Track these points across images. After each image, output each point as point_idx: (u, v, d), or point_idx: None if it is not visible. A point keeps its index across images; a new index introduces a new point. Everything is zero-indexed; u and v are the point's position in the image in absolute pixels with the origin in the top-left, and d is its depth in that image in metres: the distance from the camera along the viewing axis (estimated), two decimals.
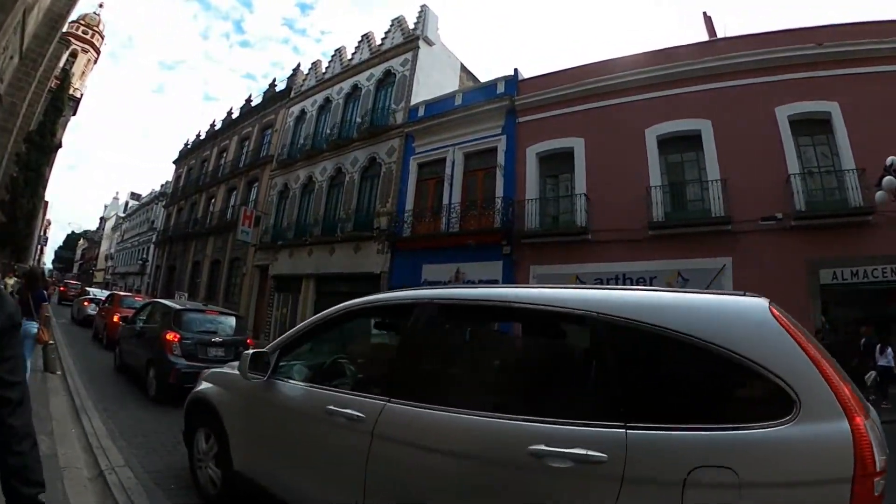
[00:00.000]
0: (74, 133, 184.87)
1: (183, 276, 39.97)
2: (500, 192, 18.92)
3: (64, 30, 38.49)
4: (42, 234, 60.21)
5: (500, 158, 19.27)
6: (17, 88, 26.89)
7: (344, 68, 28.15)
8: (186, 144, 49.98)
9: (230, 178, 36.66)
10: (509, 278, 17.80)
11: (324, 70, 30.21)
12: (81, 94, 51.87)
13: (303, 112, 30.21)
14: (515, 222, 17.93)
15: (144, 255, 52.70)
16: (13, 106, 27.04)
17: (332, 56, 29.80)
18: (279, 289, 27.55)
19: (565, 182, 18.19)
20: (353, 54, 28.18)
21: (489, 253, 18.33)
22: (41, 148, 33.64)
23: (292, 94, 31.99)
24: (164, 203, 52.01)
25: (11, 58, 23.36)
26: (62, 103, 37.22)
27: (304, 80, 31.89)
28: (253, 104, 37.68)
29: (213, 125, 44.39)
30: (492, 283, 17.73)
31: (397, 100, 23.91)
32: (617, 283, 15.15)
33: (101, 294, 26.79)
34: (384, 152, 23.28)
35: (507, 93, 19.82)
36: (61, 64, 37.94)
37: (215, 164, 40.69)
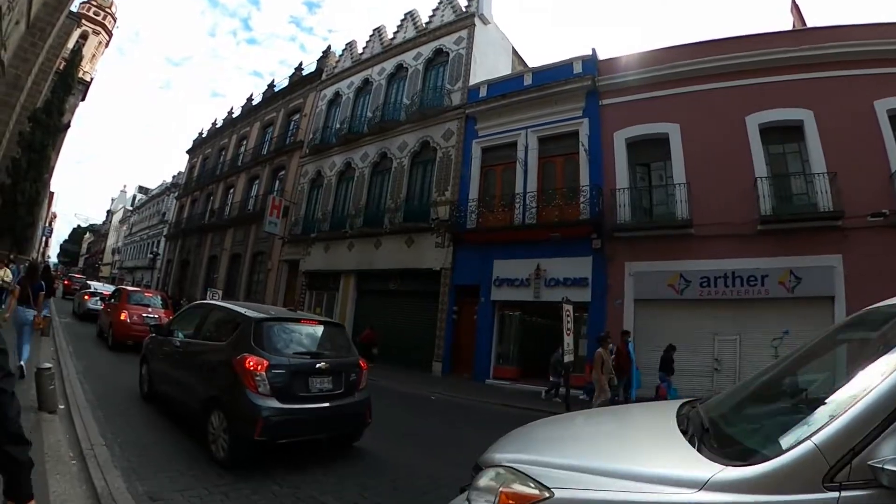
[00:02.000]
0: (82, 125, 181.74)
1: (198, 270, 37.56)
2: (584, 179, 16.69)
3: (75, 7, 36.36)
4: (47, 225, 58.07)
5: (584, 141, 17.00)
6: (22, 60, 24.52)
7: (385, 48, 25.76)
8: (201, 133, 47.62)
9: (252, 166, 34.21)
10: (601, 276, 15.88)
11: (360, 50, 27.78)
12: (91, 79, 49.65)
13: (337, 94, 27.77)
14: (605, 214, 15.85)
15: (155, 249, 50.15)
16: (17, 79, 24.64)
17: (371, 35, 27.37)
18: (312, 286, 25.08)
19: (658, 171, 16.50)
20: (394, 33, 25.81)
21: (576, 248, 16.26)
22: (47, 128, 31.04)
23: (324, 77, 29.55)
24: (176, 194, 49.62)
25: (17, 23, 20.97)
26: (72, 80, 34.77)
27: (337, 62, 29.50)
28: (276, 88, 35.24)
29: (230, 112, 42.03)
30: (580, 281, 16.05)
31: (452, 80, 21.48)
32: (725, 282, 14.20)
33: (103, 288, 25.03)
34: (440, 136, 20.82)
35: (585, 73, 17.62)
36: (71, 44, 35.65)
37: (234, 153, 38.24)
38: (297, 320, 7.15)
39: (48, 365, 6.83)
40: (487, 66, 21.70)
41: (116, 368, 11.56)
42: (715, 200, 14.48)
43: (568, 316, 12.09)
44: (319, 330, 7.16)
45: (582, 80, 17.47)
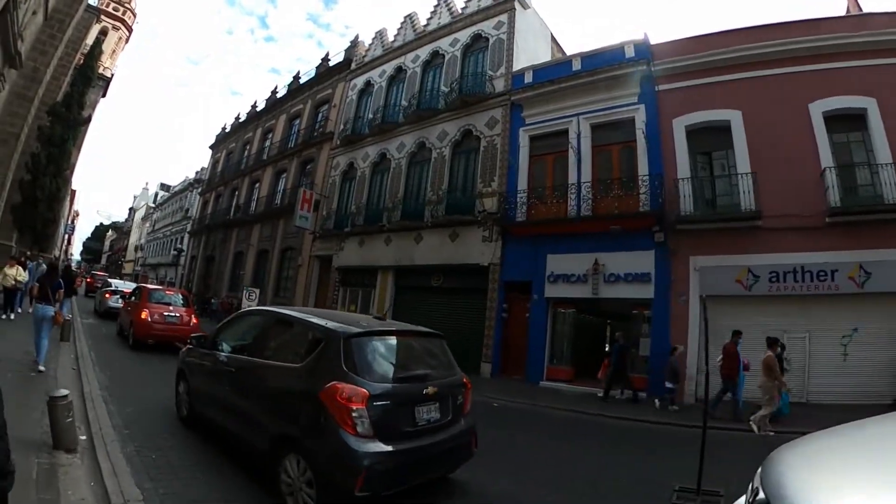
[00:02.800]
0: (103, 123, 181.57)
1: (223, 267, 36.97)
2: (643, 169, 15.66)
3: (94, 1, 35.70)
4: (69, 223, 57.81)
5: (642, 128, 16.01)
6: (40, 52, 23.87)
7: (418, 35, 24.80)
8: (224, 128, 47.08)
9: (278, 159, 33.36)
10: (664, 271, 14.88)
11: (391, 38, 26.84)
12: (112, 75, 49.19)
13: (368, 84, 26.82)
14: (667, 205, 14.81)
15: (179, 245, 49.58)
16: (36, 72, 23.96)
17: (402, 23, 26.43)
18: (345, 283, 24.14)
19: (720, 160, 15.54)
20: (428, 20, 24.86)
21: (636, 241, 15.24)
22: (67, 121, 30.30)
23: (353, 66, 28.59)
24: (199, 190, 49.08)
25: (34, 13, 20.27)
26: (91, 72, 34.07)
27: (366, 51, 28.57)
28: (303, 80, 34.41)
29: (254, 105, 41.27)
30: (642, 276, 15.07)
31: (494, 65, 20.40)
32: (795, 277, 13.37)
33: (124, 286, 24.60)
34: (483, 124, 19.74)
35: (638, 57, 16.61)
36: (91, 39, 35.03)
37: (259, 146, 37.49)
38: (395, 332, 5.68)
39: (63, 392, 5.38)
40: (528, 52, 20.70)
41: (144, 379, 10.44)
42: (781, 191, 13.69)
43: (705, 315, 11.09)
44: (419, 343, 5.82)
45: (636, 65, 16.44)
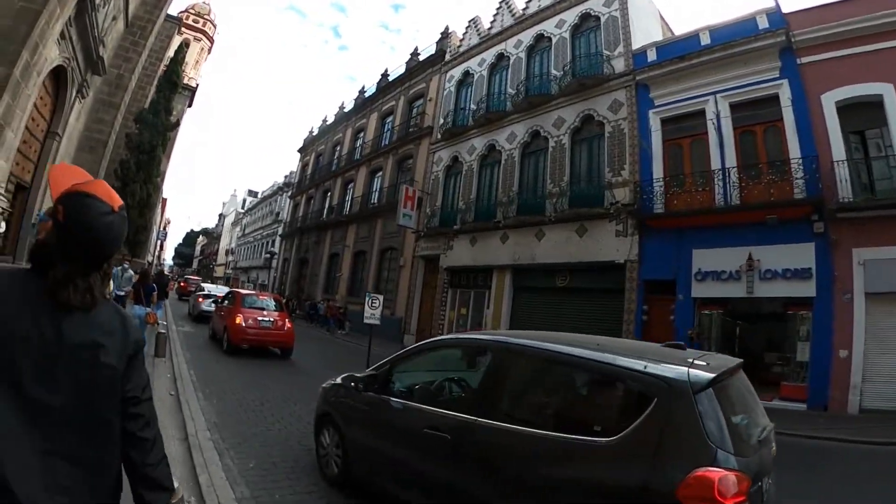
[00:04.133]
0: (190, 132, 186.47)
1: (318, 269, 36.96)
2: (793, 151, 13.85)
3: (174, 12, 36.03)
4: (162, 230, 59.51)
5: (789, 106, 14.26)
6: (123, 59, 23.99)
7: (518, 19, 23.58)
8: (311, 131, 47.33)
9: (372, 158, 32.86)
10: (825, 266, 13.04)
11: (487, 25, 25.70)
12: (197, 85, 50.00)
13: (467, 74, 25.78)
14: (824, 191, 13.03)
15: (270, 248, 50.15)
16: (120, 78, 24.07)
17: (497, 8, 25.26)
18: (454, 284, 23.12)
19: (875, 139, 13.51)
20: (527, 2, 23.56)
21: (792, 232, 13.47)
22: (154, 127, 30.68)
23: (448, 58, 27.66)
24: (289, 193, 49.45)
25: (115, 19, 20.14)
26: (176, 77, 34.45)
27: (461, 41, 27.55)
28: (391, 77, 33.73)
29: (341, 107, 41.00)
30: (802, 272, 13.26)
31: (609, 45, 18.86)
32: None
33: (216, 289, 25.29)
34: (605, 107, 18.23)
35: (773, 28, 14.81)
36: (172, 50, 35.41)
37: (350, 147, 37.25)
38: (737, 369, 3.62)
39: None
40: (642, 30, 19.03)
41: (254, 405, 8.65)
42: None
43: None
44: (743, 379, 3.74)
45: (774, 36, 14.65)
